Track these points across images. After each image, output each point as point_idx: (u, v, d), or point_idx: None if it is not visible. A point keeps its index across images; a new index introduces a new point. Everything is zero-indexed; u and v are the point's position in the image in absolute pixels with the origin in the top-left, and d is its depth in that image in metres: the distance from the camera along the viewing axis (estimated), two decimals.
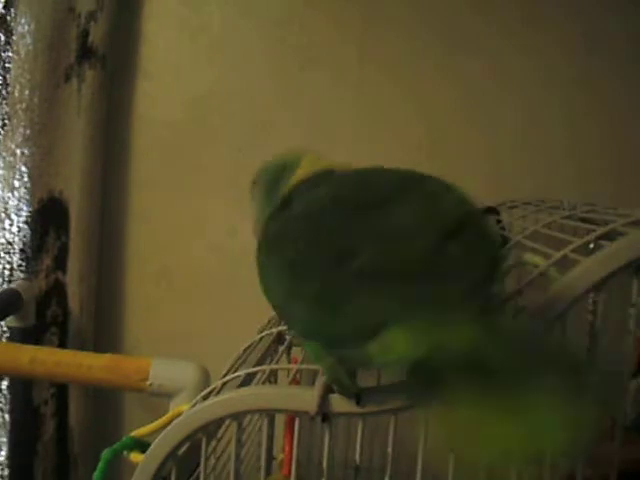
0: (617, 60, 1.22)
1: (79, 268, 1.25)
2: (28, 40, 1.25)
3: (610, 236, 0.54)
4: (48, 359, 0.97)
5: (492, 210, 1.02)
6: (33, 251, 1.24)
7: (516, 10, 1.24)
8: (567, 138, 1.23)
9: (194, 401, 0.57)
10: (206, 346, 1.22)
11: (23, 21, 1.25)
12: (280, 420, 0.86)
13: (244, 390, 0.53)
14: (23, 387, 1.22)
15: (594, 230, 0.56)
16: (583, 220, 0.71)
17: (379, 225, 0.44)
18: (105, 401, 1.31)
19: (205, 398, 0.56)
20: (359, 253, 0.42)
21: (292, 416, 0.66)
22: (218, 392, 0.57)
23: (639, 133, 1.22)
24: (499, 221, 0.99)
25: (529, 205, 0.97)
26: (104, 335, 1.31)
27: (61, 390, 1.24)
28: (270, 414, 0.60)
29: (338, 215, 0.46)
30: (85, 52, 1.25)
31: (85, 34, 1.25)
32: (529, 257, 0.60)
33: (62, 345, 1.25)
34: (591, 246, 0.53)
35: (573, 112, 1.23)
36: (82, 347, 1.24)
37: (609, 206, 0.75)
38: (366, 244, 0.43)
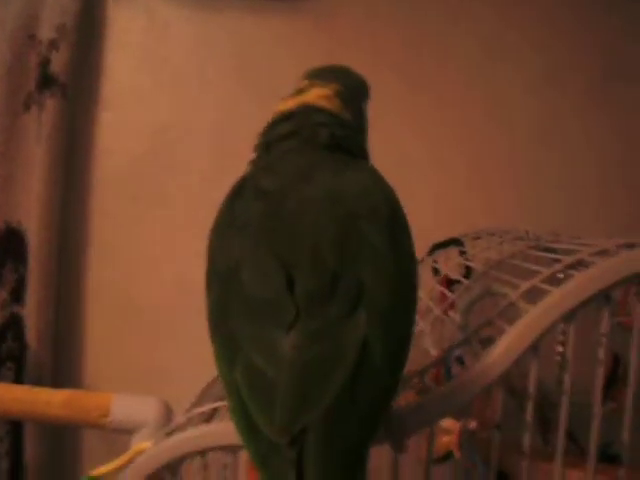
0: (576, 92, 1.25)
1: (37, 300, 1.21)
2: None
3: (576, 266, 0.54)
4: (4, 395, 0.94)
5: (455, 241, 1.02)
6: None
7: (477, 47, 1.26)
8: (522, 168, 1.25)
9: (157, 438, 0.55)
10: (169, 380, 1.20)
11: None
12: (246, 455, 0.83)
13: (209, 426, 0.51)
14: None
15: (559, 260, 0.56)
16: (548, 250, 0.71)
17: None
18: (62, 438, 1.26)
19: (169, 434, 0.54)
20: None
21: None
22: (182, 428, 0.55)
23: (592, 164, 1.24)
24: (463, 252, 0.99)
25: (493, 236, 0.97)
26: (63, 370, 1.27)
27: (15, 427, 1.20)
28: (235, 450, 0.59)
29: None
30: (46, 80, 1.23)
31: (46, 62, 1.23)
32: (497, 287, 0.60)
33: (18, 380, 1.20)
34: (561, 276, 0.53)
35: (531, 143, 1.25)
36: (39, 382, 1.19)
37: (572, 235, 0.76)
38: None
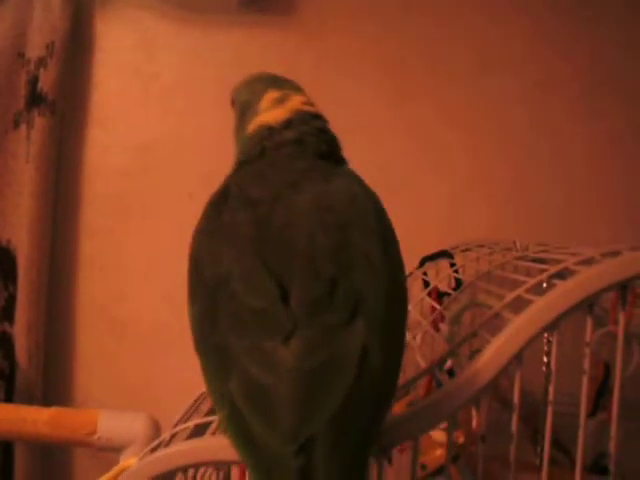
0: (568, 104, 1.25)
1: (27, 319, 1.20)
2: None
3: (563, 275, 0.54)
4: None
5: (445, 253, 1.02)
6: None
7: (466, 56, 1.26)
8: (512, 180, 1.25)
9: (142, 454, 0.55)
10: (158, 397, 1.19)
11: None
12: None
13: (193, 442, 0.51)
14: None
15: (546, 270, 0.56)
16: (536, 260, 0.71)
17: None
18: (53, 456, 1.25)
19: (153, 450, 0.54)
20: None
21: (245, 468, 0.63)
22: (167, 444, 0.54)
23: (585, 174, 1.24)
24: (453, 264, 0.99)
25: (482, 247, 0.97)
26: (53, 388, 1.26)
27: (6, 446, 1.19)
28: (223, 467, 0.58)
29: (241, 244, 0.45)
30: (35, 98, 1.23)
31: (35, 80, 1.23)
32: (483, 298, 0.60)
33: (8, 399, 1.20)
34: (544, 285, 0.53)
35: (521, 155, 1.25)
36: (30, 401, 1.19)
37: (560, 245, 0.76)
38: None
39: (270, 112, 0.57)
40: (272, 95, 0.59)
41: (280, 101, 0.58)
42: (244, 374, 0.39)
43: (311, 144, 0.55)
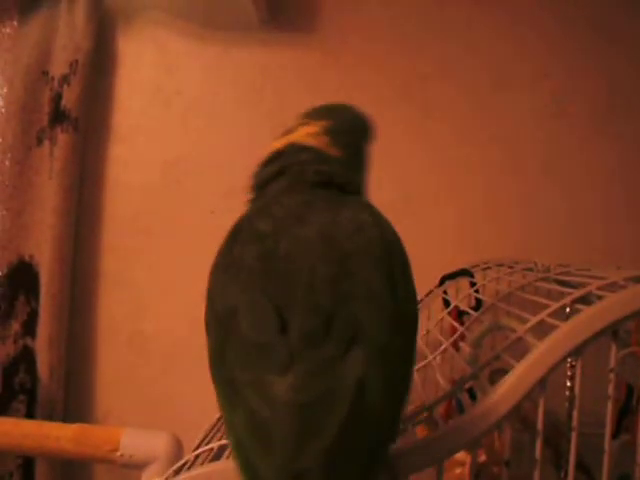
0: (581, 123, 1.24)
1: (49, 334, 1.21)
2: (0, 103, 1.26)
3: (586, 299, 0.54)
4: (13, 430, 0.94)
5: (465, 272, 1.02)
6: (1, 316, 1.22)
7: (484, 75, 1.26)
8: (524, 198, 1.25)
9: (165, 475, 0.55)
10: (179, 413, 1.19)
11: None
12: None
13: (215, 465, 0.51)
14: None
15: (569, 293, 0.56)
16: (557, 282, 0.71)
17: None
18: (73, 472, 1.26)
19: (177, 472, 0.54)
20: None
21: None
22: (190, 466, 0.55)
23: (598, 196, 1.23)
24: (473, 284, 0.98)
25: (502, 266, 0.96)
26: (74, 403, 1.27)
27: (28, 461, 1.19)
28: None
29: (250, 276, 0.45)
30: (58, 115, 1.25)
31: (58, 97, 1.25)
32: (505, 321, 0.60)
33: (30, 414, 1.20)
34: (567, 310, 0.53)
35: (534, 172, 1.25)
36: (51, 415, 1.20)
37: (582, 267, 0.75)
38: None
39: (274, 142, 0.58)
40: (287, 127, 0.59)
41: (288, 131, 0.58)
42: (246, 407, 0.40)
43: (302, 175, 0.54)
